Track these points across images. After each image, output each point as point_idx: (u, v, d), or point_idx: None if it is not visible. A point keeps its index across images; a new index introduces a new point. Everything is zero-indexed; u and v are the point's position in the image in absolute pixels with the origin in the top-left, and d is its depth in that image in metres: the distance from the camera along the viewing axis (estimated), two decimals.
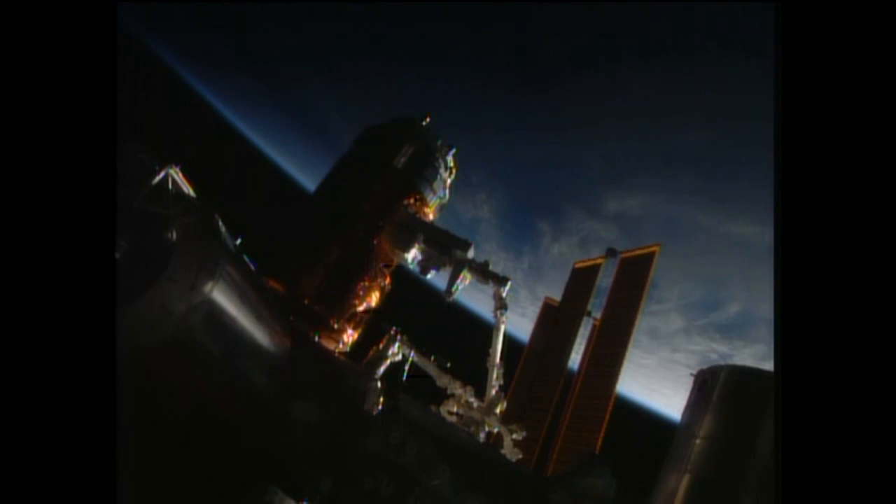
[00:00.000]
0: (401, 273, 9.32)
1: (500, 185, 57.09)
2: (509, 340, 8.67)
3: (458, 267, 8.28)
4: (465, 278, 8.37)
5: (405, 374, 8.14)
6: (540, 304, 13.99)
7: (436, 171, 9.30)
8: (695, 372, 6.12)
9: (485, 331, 8.70)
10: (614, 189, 55.71)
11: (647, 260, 10.89)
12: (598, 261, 11.77)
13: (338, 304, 8.25)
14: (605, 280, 11.37)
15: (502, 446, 8.60)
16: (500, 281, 8.29)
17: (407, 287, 10.22)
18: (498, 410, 8.41)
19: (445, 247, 8.42)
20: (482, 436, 8.45)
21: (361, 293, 8.54)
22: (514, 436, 8.57)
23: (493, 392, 8.46)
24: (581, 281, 11.96)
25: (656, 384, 48.46)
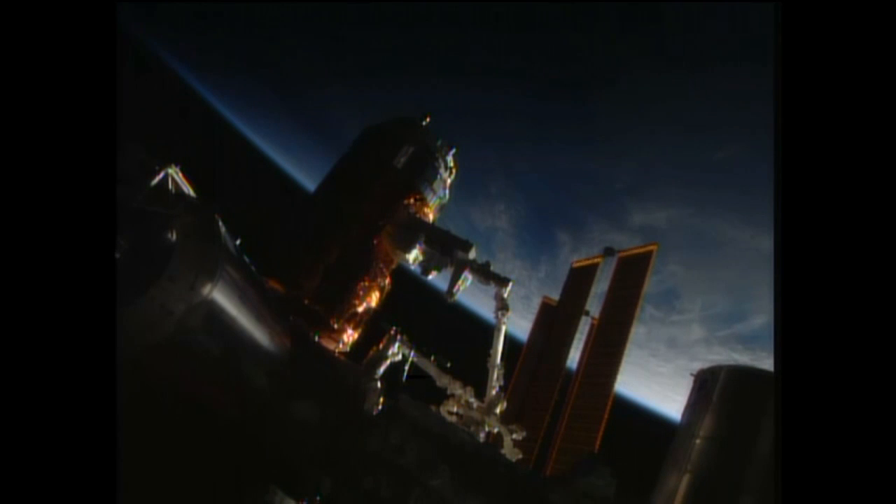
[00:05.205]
0: (401, 273, 9.31)
1: (520, 195, 57.05)
2: (510, 341, 8.66)
3: (459, 268, 8.27)
4: (467, 279, 8.36)
5: (405, 374, 8.13)
6: None
7: (436, 171, 9.30)
8: (695, 372, 6.13)
9: (486, 331, 8.69)
10: (641, 201, 55.61)
11: (644, 259, 10.88)
12: (596, 260, 11.77)
13: (338, 304, 8.25)
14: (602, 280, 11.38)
15: (502, 446, 8.59)
16: (502, 282, 8.29)
17: (407, 287, 10.22)
18: (498, 410, 8.41)
19: (447, 247, 8.41)
20: (482, 436, 8.45)
21: (361, 293, 8.54)
22: (515, 436, 8.57)
23: (494, 392, 8.46)
24: (579, 280, 11.94)
25: (671, 391, 48.48)
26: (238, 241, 5.75)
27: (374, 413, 6.73)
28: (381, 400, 7.04)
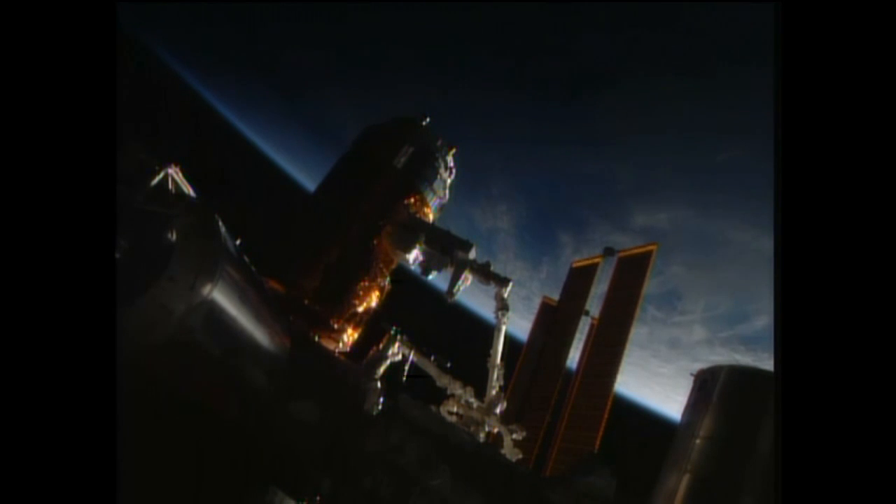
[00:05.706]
0: (401, 273, 9.31)
1: (522, 196, 57.02)
2: (510, 341, 8.66)
3: (459, 268, 8.28)
4: (467, 279, 8.36)
5: (405, 374, 8.13)
6: None
7: (436, 171, 9.31)
8: (695, 372, 6.13)
9: (486, 331, 8.69)
10: (643, 203, 55.53)
11: (644, 259, 10.90)
12: (596, 260, 11.78)
13: (338, 304, 8.25)
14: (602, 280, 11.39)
15: (502, 446, 8.59)
16: (502, 282, 8.29)
17: (407, 287, 10.22)
18: (498, 410, 8.41)
19: (447, 247, 8.41)
20: (482, 436, 8.45)
21: (361, 293, 8.54)
22: (515, 436, 8.57)
23: (494, 392, 8.46)
24: (579, 280, 11.96)
25: (671, 391, 48.54)
26: (238, 241, 5.74)
27: (374, 413, 6.73)
28: (381, 400, 7.04)
